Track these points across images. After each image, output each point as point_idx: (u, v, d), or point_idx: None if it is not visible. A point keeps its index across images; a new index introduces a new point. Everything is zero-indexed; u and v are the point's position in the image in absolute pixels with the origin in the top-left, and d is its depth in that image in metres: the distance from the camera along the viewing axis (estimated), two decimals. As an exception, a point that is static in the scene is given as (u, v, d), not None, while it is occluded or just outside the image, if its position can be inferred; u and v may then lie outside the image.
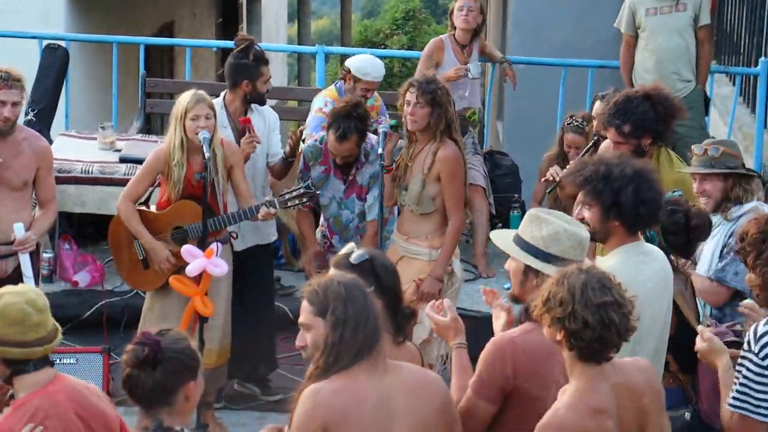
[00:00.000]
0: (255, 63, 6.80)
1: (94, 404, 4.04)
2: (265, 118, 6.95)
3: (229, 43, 7.38)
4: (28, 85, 7.64)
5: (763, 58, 9.20)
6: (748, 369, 4.04)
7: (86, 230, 8.59)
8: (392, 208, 6.91)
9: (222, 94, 6.92)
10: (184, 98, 6.37)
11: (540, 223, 4.20)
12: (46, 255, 7.92)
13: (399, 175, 6.44)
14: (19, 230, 6.23)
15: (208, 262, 6.29)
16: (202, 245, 6.34)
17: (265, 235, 7.03)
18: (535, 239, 4.19)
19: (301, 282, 7.78)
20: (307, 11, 23.79)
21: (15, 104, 6.20)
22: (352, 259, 4.17)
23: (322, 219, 6.99)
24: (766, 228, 4.33)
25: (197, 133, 6.28)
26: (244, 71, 6.80)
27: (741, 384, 4.05)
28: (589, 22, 11.79)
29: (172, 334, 3.79)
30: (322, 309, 3.75)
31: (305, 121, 7.75)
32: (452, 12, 8.56)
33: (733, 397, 4.06)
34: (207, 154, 6.25)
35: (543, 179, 7.15)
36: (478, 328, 5.48)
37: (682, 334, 4.60)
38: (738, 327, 4.88)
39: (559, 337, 3.76)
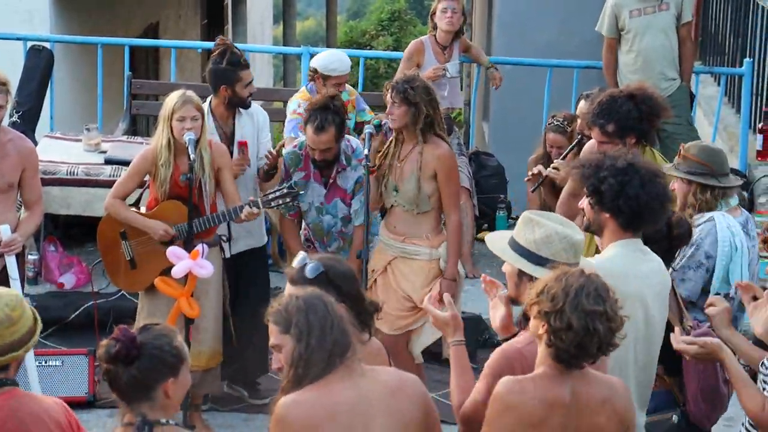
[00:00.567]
0: (231, 67, 6.75)
1: None
2: (253, 118, 6.93)
3: (212, 44, 7.36)
4: (13, 87, 7.63)
5: (747, 59, 9.23)
6: None
7: (72, 232, 8.58)
8: (375, 211, 6.90)
9: (208, 99, 6.90)
10: (172, 99, 6.36)
11: (533, 226, 4.21)
12: (32, 257, 7.91)
13: (384, 176, 6.44)
14: (5, 232, 6.22)
15: (193, 264, 6.28)
16: (189, 246, 6.33)
17: (258, 238, 7.02)
18: (528, 242, 4.20)
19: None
20: (292, 12, 23.77)
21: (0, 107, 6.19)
22: (307, 273, 4.19)
23: (304, 223, 6.98)
24: None
25: (184, 134, 6.28)
26: (221, 77, 6.76)
27: None
28: (574, 23, 11.82)
29: (157, 329, 3.74)
30: (286, 326, 3.78)
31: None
32: (434, 13, 8.58)
33: None
34: (192, 156, 6.24)
35: (526, 179, 7.17)
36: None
37: (666, 339, 4.61)
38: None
39: (541, 330, 3.78)
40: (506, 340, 4.20)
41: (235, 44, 7.11)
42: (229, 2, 20.12)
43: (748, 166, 8.85)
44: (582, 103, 7.17)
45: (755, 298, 4.51)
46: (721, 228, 5.51)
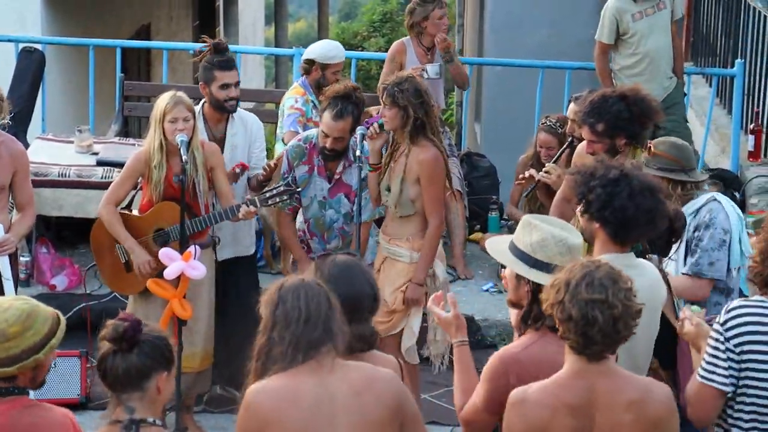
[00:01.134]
0: (208, 65, 6.68)
1: None
2: (247, 126, 6.86)
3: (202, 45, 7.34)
4: (5, 87, 7.62)
5: (739, 60, 9.25)
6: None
7: (64, 234, 8.56)
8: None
9: (201, 101, 6.87)
10: (163, 100, 6.34)
11: (531, 230, 4.21)
12: (24, 258, 7.90)
13: (382, 176, 6.45)
14: (-2, 232, 6.22)
15: (186, 265, 6.27)
16: (183, 247, 6.33)
17: (243, 248, 6.95)
18: (525, 245, 4.20)
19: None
20: (284, 14, 23.76)
21: None
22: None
23: (300, 221, 6.96)
24: None
25: (176, 136, 6.27)
26: (201, 74, 6.72)
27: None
28: (566, 24, 11.83)
29: (153, 326, 3.85)
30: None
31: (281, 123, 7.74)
32: (425, 19, 8.48)
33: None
34: (184, 157, 6.23)
35: (517, 182, 7.18)
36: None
37: (662, 332, 4.62)
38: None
39: (557, 323, 3.80)
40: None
41: (228, 45, 7.03)
42: (220, 3, 20.11)
43: (740, 167, 8.86)
44: (572, 105, 7.18)
45: None
46: (726, 203, 5.58)
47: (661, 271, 4.94)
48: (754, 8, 9.24)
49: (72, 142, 8.59)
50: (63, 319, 4.00)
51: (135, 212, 6.60)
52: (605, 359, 3.81)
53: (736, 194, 8.19)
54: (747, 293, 5.55)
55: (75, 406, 6.80)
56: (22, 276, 7.81)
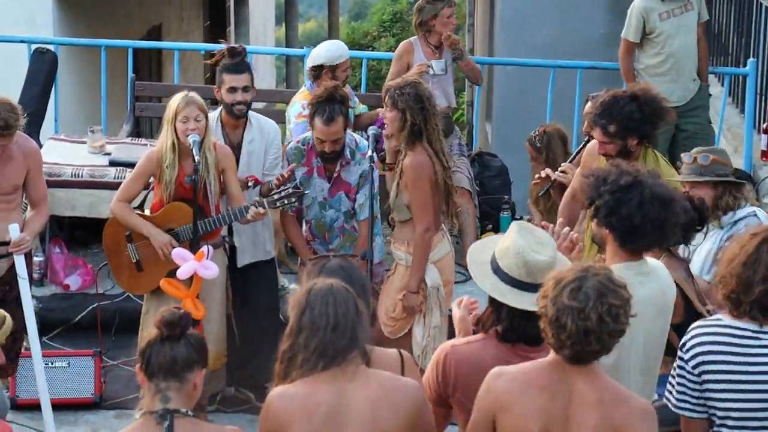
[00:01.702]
0: (220, 69, 6.74)
1: None
2: (263, 133, 6.86)
3: (218, 46, 7.36)
4: (17, 89, 7.64)
5: (751, 59, 9.23)
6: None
7: (77, 234, 8.58)
8: None
9: (219, 107, 6.86)
10: (175, 100, 6.36)
11: (506, 236, 4.18)
12: (37, 258, 7.92)
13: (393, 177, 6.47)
14: (14, 231, 6.24)
15: (199, 265, 6.29)
16: (194, 247, 6.34)
17: (263, 252, 6.94)
18: (497, 250, 4.19)
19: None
20: (294, 14, 23.78)
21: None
22: None
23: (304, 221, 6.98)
24: None
25: (188, 136, 6.28)
26: (216, 78, 6.78)
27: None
28: (577, 23, 11.81)
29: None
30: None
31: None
32: (434, 17, 8.48)
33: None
34: (197, 158, 6.25)
35: (534, 182, 7.17)
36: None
37: (689, 320, 4.62)
38: None
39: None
40: None
41: (245, 49, 6.97)
42: (231, 4, 20.13)
43: (753, 166, 8.84)
44: (589, 104, 7.17)
45: None
46: (764, 218, 5.63)
47: (684, 260, 4.94)
48: (766, 7, 9.22)
49: (85, 142, 8.62)
50: (9, 319, 4.02)
51: (147, 212, 6.62)
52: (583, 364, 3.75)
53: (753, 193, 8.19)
54: None
55: (89, 406, 6.83)
56: (35, 276, 7.83)
